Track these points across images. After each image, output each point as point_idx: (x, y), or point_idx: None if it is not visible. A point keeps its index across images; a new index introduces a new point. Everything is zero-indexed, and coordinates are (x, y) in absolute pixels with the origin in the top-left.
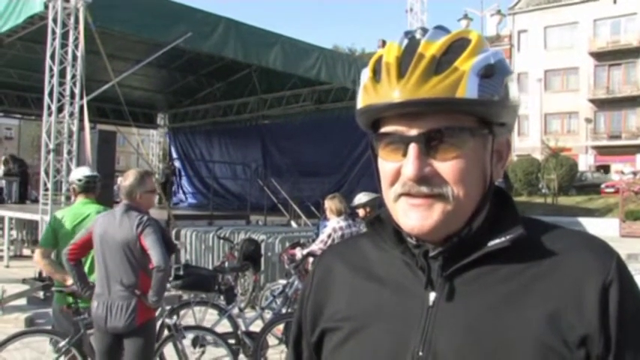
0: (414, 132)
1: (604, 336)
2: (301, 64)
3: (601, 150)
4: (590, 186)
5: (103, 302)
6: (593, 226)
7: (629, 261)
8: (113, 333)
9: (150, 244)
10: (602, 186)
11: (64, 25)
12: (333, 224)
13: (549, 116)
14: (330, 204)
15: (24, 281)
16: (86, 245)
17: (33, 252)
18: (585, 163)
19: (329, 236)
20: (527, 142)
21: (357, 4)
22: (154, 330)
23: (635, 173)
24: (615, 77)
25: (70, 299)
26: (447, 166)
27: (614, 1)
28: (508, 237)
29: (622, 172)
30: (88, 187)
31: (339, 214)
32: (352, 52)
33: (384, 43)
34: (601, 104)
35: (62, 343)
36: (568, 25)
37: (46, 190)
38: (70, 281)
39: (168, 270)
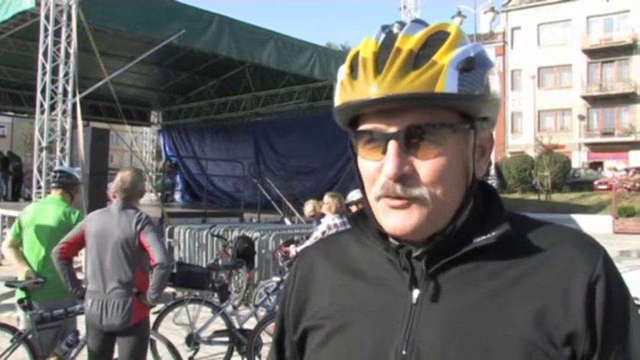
0: (393, 129)
1: (590, 333)
2: (295, 62)
3: (594, 147)
4: (583, 183)
5: (97, 300)
6: (587, 222)
7: (622, 257)
8: (108, 331)
9: (151, 241)
10: (595, 183)
11: (57, 22)
12: (328, 221)
13: (543, 113)
14: (330, 201)
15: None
16: (78, 243)
17: None
18: (578, 159)
19: (323, 233)
20: (520, 139)
21: (350, 1)
22: (148, 328)
23: (627, 170)
24: (608, 74)
25: (23, 294)
26: (427, 165)
27: None
28: (494, 233)
29: (615, 169)
30: (57, 184)
31: (336, 213)
32: (346, 49)
33: None
34: (594, 101)
35: (10, 338)
36: (561, 23)
37: (39, 187)
38: (21, 274)
39: (170, 267)
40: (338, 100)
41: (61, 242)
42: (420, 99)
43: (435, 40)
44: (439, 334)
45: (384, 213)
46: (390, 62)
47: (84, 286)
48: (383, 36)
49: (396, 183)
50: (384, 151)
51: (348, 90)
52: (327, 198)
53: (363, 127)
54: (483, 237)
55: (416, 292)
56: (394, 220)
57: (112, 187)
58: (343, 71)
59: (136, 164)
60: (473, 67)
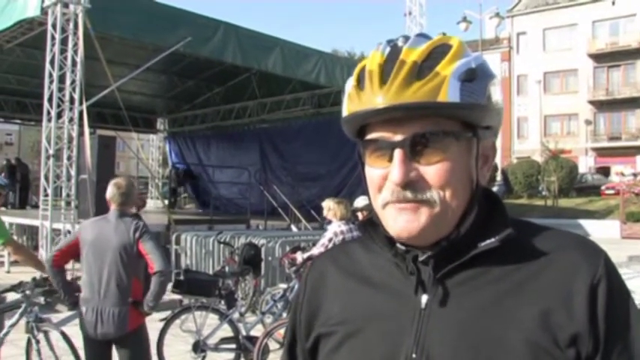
0: (398, 137)
1: (593, 334)
2: (301, 68)
3: (601, 152)
4: (590, 188)
5: (92, 308)
6: (594, 228)
7: (631, 263)
8: (103, 339)
9: (149, 248)
10: (603, 188)
11: (64, 30)
12: (334, 228)
13: (549, 118)
14: (335, 208)
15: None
16: (72, 251)
17: None
18: (585, 164)
19: (330, 240)
20: (527, 144)
21: (356, 8)
22: (146, 334)
23: (635, 175)
24: (614, 79)
25: None
26: (432, 170)
27: (613, 3)
28: (497, 237)
29: (622, 174)
30: None
31: (341, 219)
32: (351, 56)
33: None
34: (600, 106)
35: None
36: (567, 27)
37: (46, 195)
38: None
39: (169, 275)
40: (346, 111)
41: (54, 250)
42: (424, 108)
43: (438, 52)
44: (448, 338)
45: (392, 217)
46: (395, 73)
47: (77, 294)
48: (388, 49)
49: (404, 189)
50: (390, 159)
51: (355, 101)
52: (332, 204)
53: (369, 136)
54: (487, 241)
55: (424, 297)
56: (401, 223)
57: (107, 195)
58: (350, 83)
59: (143, 171)
60: (474, 77)
